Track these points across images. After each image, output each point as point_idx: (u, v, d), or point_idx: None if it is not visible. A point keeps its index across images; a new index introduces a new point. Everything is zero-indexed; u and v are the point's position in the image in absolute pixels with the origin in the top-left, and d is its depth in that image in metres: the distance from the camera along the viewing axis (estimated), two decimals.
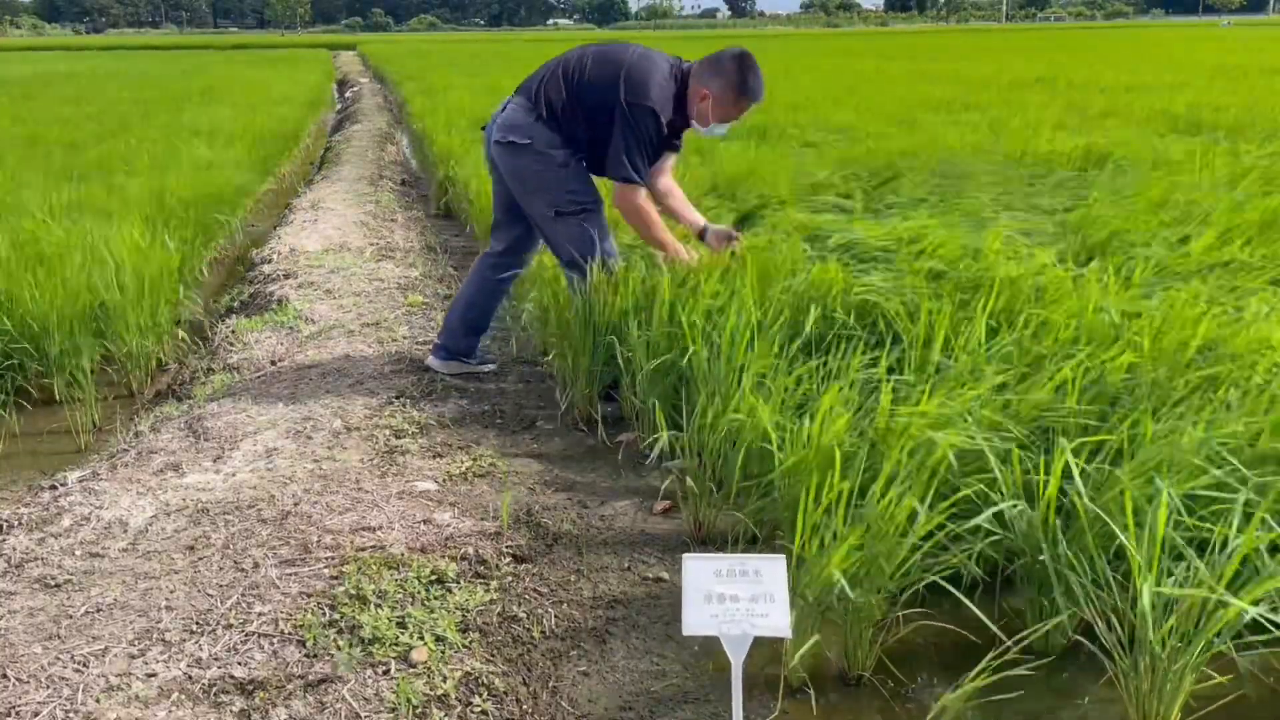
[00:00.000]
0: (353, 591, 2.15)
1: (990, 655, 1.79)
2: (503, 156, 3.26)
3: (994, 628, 1.91)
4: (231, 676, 1.88)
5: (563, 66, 3.23)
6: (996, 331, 2.74)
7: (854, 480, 1.96)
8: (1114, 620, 1.88)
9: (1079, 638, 1.97)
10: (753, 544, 2.38)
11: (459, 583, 2.24)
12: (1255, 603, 1.71)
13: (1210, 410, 2.20)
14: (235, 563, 2.29)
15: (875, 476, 2.03)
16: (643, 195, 3.20)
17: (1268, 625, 1.72)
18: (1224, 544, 1.80)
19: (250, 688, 1.86)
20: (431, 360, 3.68)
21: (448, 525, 2.50)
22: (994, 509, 2.00)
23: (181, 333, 4.52)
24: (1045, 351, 2.56)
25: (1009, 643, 1.83)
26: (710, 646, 2.07)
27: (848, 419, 2.17)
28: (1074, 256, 3.69)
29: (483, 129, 3.43)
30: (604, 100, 3.11)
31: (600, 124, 3.15)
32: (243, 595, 2.15)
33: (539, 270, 3.75)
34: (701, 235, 3.42)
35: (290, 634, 2.01)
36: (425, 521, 2.51)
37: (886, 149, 6.44)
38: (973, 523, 1.98)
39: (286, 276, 5.10)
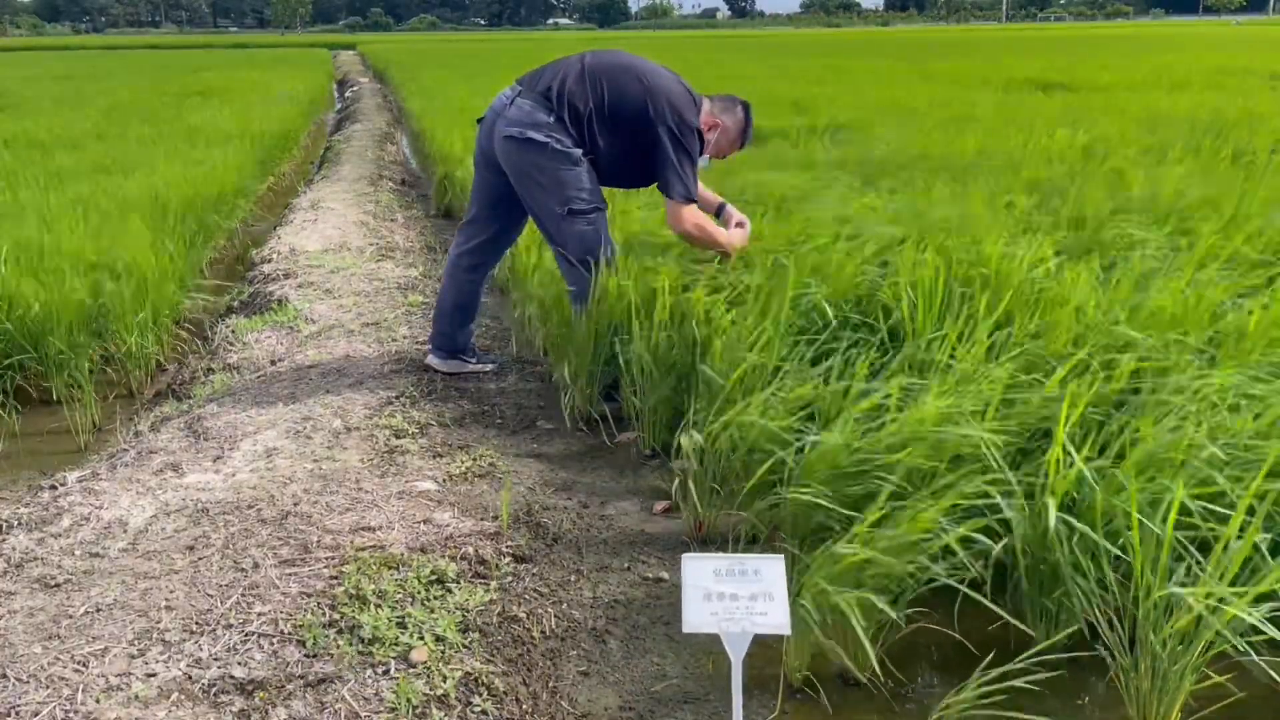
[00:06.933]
0: (353, 591, 2.15)
1: (993, 658, 1.79)
2: (513, 151, 3.21)
3: (1014, 620, 1.91)
4: (231, 676, 1.88)
5: (584, 74, 3.22)
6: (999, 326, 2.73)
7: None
8: (1115, 620, 1.88)
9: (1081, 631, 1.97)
10: (753, 544, 2.38)
11: (459, 583, 2.24)
12: (1256, 601, 1.71)
13: (1210, 409, 2.20)
14: (235, 563, 2.29)
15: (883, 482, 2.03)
16: (699, 212, 3.29)
17: (1267, 627, 1.71)
18: (1225, 545, 1.80)
19: (250, 688, 1.85)
20: (431, 359, 3.68)
21: (448, 525, 2.50)
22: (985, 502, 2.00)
23: (182, 333, 4.53)
24: (1049, 353, 2.56)
25: (1027, 654, 1.82)
26: (710, 647, 2.07)
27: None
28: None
29: (478, 121, 3.41)
30: (641, 118, 3.17)
31: (629, 138, 3.20)
32: (243, 595, 2.15)
33: (540, 269, 3.75)
34: (718, 212, 3.51)
35: (290, 634, 2.01)
36: (425, 521, 2.51)
37: None
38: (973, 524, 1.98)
39: (286, 276, 5.10)
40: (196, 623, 2.05)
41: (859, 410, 2.24)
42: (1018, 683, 1.74)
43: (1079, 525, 1.92)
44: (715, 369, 2.66)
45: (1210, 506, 1.90)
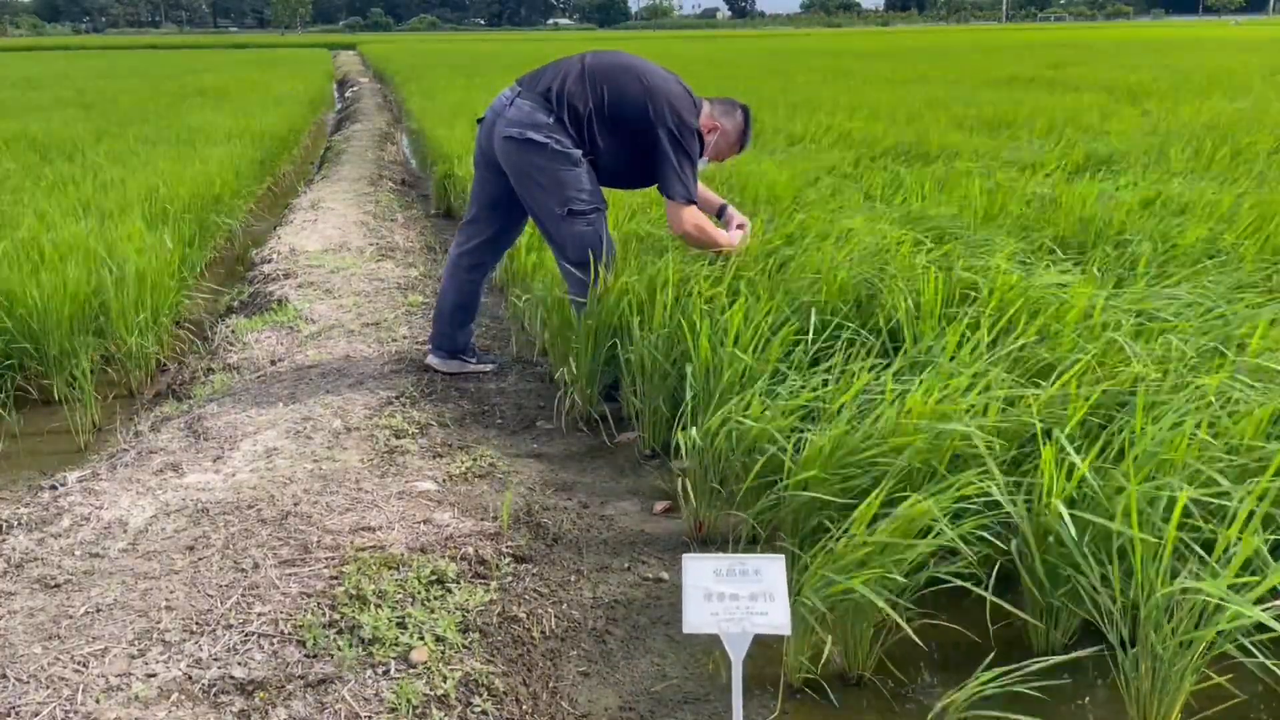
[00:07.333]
0: (353, 591, 2.15)
1: (993, 658, 1.79)
2: (513, 151, 3.21)
3: (1024, 615, 1.90)
4: (231, 677, 1.88)
5: (584, 75, 3.21)
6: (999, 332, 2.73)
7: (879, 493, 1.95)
8: (1115, 620, 1.88)
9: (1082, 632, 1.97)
10: (753, 544, 2.38)
11: (459, 583, 2.24)
12: (1258, 601, 1.71)
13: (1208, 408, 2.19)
14: (235, 563, 2.29)
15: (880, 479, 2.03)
16: (699, 213, 3.28)
17: (1271, 626, 1.71)
18: (1225, 545, 1.80)
19: (250, 688, 1.85)
20: (431, 359, 3.68)
21: (448, 525, 2.50)
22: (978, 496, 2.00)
23: (182, 333, 4.53)
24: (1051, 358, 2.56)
25: (1033, 661, 1.82)
26: (710, 647, 2.07)
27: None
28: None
29: (478, 121, 3.41)
30: (641, 119, 3.17)
31: (629, 138, 3.20)
32: (243, 595, 2.15)
33: (540, 270, 3.75)
34: (720, 213, 3.52)
35: (290, 634, 2.01)
36: (425, 521, 2.51)
37: None
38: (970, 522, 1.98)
39: (286, 276, 5.10)
40: (196, 623, 2.05)
41: (847, 399, 2.23)
42: (1018, 680, 1.74)
43: (1087, 519, 1.92)
44: (709, 371, 2.66)
45: (1202, 497, 1.89)
